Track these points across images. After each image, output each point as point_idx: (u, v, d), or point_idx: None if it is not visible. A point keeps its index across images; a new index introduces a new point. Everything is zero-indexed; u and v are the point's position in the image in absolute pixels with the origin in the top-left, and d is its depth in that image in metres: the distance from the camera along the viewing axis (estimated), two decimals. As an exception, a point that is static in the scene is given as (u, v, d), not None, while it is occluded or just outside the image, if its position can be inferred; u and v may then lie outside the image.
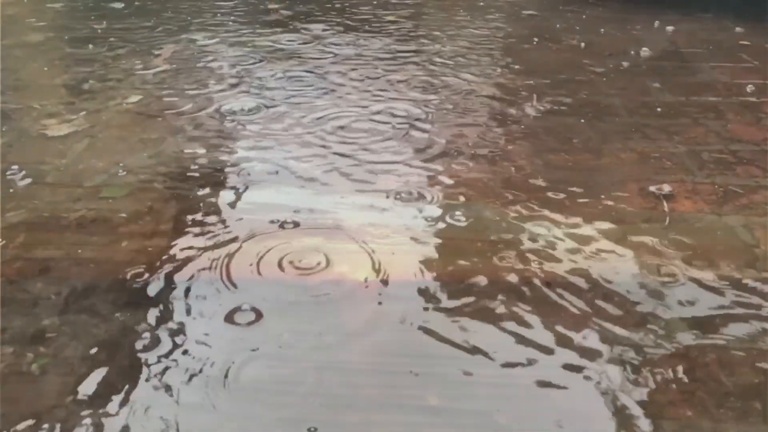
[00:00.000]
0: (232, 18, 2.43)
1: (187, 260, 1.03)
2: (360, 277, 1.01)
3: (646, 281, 0.99)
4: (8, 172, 1.29)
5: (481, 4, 2.65)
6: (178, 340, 0.87)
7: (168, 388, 0.79)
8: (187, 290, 0.97)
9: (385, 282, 1.00)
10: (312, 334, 0.88)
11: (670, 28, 2.26)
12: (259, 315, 0.91)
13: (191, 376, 0.81)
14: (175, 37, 2.19)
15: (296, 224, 1.13)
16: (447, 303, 0.94)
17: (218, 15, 2.47)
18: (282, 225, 1.13)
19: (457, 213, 1.16)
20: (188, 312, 0.92)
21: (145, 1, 2.65)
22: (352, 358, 0.85)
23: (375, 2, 2.67)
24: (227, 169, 1.32)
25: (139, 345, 0.86)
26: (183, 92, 1.72)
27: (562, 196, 1.22)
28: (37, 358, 0.84)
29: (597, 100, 1.68)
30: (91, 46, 2.08)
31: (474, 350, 0.86)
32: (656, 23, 2.35)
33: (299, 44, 2.12)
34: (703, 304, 0.94)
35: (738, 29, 2.30)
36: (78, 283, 0.98)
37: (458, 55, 2.02)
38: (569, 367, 0.83)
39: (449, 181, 1.27)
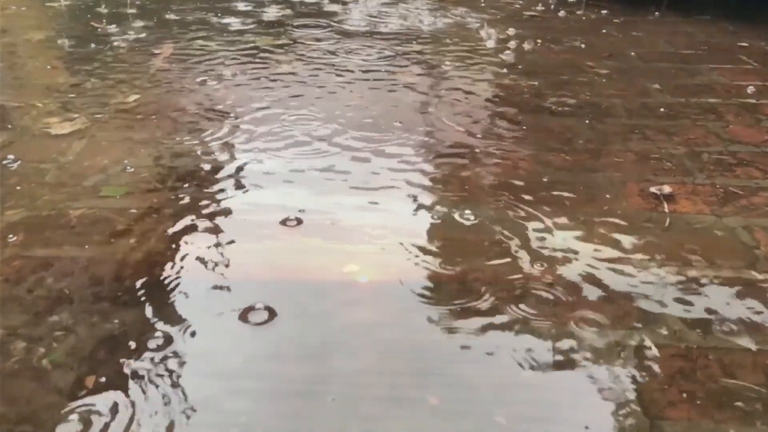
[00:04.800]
0: (232, 17, 2.43)
1: (188, 260, 1.03)
2: (360, 277, 1.01)
3: (647, 282, 0.99)
4: (8, 170, 1.29)
5: (482, 5, 2.65)
6: (182, 340, 0.87)
7: (168, 389, 0.79)
8: (188, 290, 0.97)
9: (385, 282, 1.00)
10: (313, 333, 0.88)
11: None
12: (272, 314, 0.91)
13: (194, 376, 0.81)
14: (175, 37, 2.19)
15: (296, 224, 1.13)
16: (448, 303, 0.94)
17: (218, 14, 2.47)
18: (282, 225, 1.12)
19: (458, 213, 1.16)
20: (190, 312, 0.92)
21: (144, 1, 2.65)
22: (353, 357, 0.85)
23: (375, 3, 2.67)
24: (227, 169, 1.32)
25: (139, 345, 0.85)
26: (183, 91, 1.72)
27: (563, 196, 1.22)
28: (46, 353, 0.83)
29: (597, 101, 1.68)
30: (92, 45, 2.08)
31: (474, 350, 0.86)
32: (650, 27, 2.35)
33: (301, 44, 2.12)
34: (703, 305, 0.94)
35: (737, 31, 2.30)
36: (78, 282, 0.98)
37: (460, 56, 2.02)
38: (569, 367, 0.83)
39: (450, 182, 1.27)
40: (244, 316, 0.91)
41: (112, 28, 2.27)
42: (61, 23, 2.35)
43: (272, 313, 0.91)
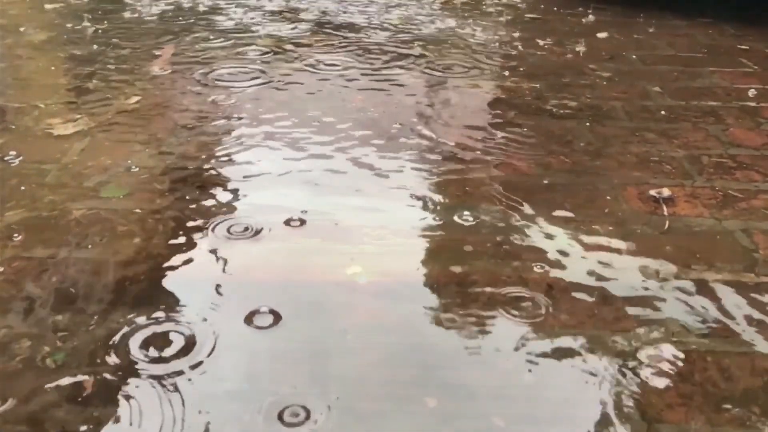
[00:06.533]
0: (233, 19, 2.44)
1: (190, 261, 1.03)
2: (362, 279, 1.01)
3: (646, 285, 0.99)
4: (10, 171, 1.29)
5: (484, 7, 2.65)
6: (184, 342, 0.87)
7: (169, 390, 0.79)
8: (190, 292, 0.97)
9: (386, 284, 1.00)
10: (315, 336, 0.89)
11: (591, 18, 2.28)
12: (278, 317, 0.91)
13: (194, 377, 0.81)
14: (176, 38, 2.19)
15: (297, 225, 1.13)
16: (447, 305, 0.94)
17: (220, 16, 2.47)
18: (284, 225, 1.13)
19: (458, 215, 1.16)
20: (193, 313, 0.92)
21: (145, 2, 2.65)
22: (352, 359, 0.85)
23: (379, 2, 2.67)
24: (229, 170, 1.32)
25: (141, 347, 0.86)
26: (184, 92, 1.72)
27: (562, 199, 1.22)
28: (46, 355, 0.84)
29: (598, 103, 1.69)
30: (94, 46, 2.08)
31: (474, 352, 0.86)
32: (651, 30, 2.36)
33: (301, 46, 2.13)
34: (702, 308, 0.95)
35: (738, 34, 2.30)
36: (77, 283, 0.98)
37: (461, 58, 2.03)
38: (568, 369, 0.83)
39: (450, 183, 1.27)
40: (248, 320, 0.91)
41: (114, 29, 2.28)
42: (63, 24, 2.35)
43: (277, 316, 0.91)
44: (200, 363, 0.83)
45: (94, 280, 0.99)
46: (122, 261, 1.03)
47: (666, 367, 0.84)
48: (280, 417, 0.75)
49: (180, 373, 0.81)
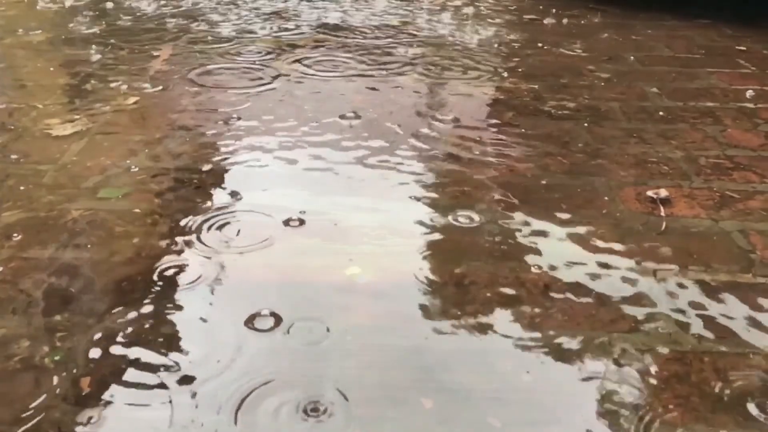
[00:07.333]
0: (231, 20, 2.44)
1: (186, 262, 1.03)
2: (359, 279, 1.01)
3: (643, 285, 0.99)
4: (8, 171, 1.29)
5: (483, 8, 2.66)
6: (183, 343, 0.87)
7: (168, 392, 0.79)
8: (189, 293, 0.97)
9: (383, 284, 1.00)
10: (311, 336, 0.89)
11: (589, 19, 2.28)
12: (278, 319, 0.91)
13: (192, 376, 0.81)
14: (174, 38, 2.19)
15: (296, 225, 1.13)
16: (445, 306, 0.95)
17: (218, 15, 2.47)
18: (283, 226, 1.13)
19: (456, 216, 1.16)
20: (192, 314, 0.92)
21: (143, 3, 2.65)
22: (350, 360, 0.85)
23: (379, 4, 2.68)
24: (227, 170, 1.32)
25: (139, 348, 0.86)
26: (182, 93, 1.72)
27: (560, 199, 1.23)
28: (43, 356, 0.84)
29: (596, 104, 1.69)
30: (93, 47, 2.08)
31: (470, 353, 0.86)
32: (649, 31, 2.36)
33: (300, 46, 2.13)
34: (698, 309, 0.95)
35: (736, 35, 2.30)
36: (75, 283, 0.98)
37: (460, 59, 2.03)
38: (564, 370, 0.84)
39: (449, 184, 1.28)
40: (249, 322, 0.91)
41: (112, 30, 2.28)
42: (61, 25, 2.35)
43: (278, 319, 0.91)
44: (200, 364, 0.83)
45: (91, 281, 0.99)
46: (120, 261, 1.03)
47: (663, 368, 0.84)
48: (278, 418, 0.75)
49: (179, 373, 0.81)
